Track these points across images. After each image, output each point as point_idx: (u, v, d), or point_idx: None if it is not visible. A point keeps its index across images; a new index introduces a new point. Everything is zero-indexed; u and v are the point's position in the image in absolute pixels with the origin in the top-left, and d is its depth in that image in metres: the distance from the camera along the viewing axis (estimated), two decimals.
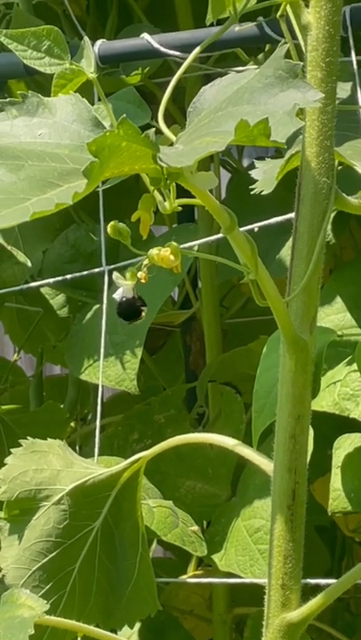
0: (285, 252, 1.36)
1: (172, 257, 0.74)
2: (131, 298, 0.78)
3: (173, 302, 1.69)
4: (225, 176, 1.73)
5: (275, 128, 0.67)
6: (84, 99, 0.79)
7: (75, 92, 0.81)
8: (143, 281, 0.77)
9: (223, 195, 1.64)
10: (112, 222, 0.77)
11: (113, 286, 1.28)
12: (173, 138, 0.77)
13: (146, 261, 0.76)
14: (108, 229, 0.77)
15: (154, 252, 0.75)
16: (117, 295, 0.78)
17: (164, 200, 0.75)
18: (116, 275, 0.78)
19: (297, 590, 0.88)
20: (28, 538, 0.99)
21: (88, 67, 0.81)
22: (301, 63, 0.72)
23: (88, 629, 0.98)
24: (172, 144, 0.75)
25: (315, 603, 0.88)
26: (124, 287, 0.78)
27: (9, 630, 0.86)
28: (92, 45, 1.22)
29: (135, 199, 0.86)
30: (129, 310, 0.78)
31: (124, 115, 0.65)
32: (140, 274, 0.77)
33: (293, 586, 0.88)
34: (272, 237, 1.36)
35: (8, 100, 0.76)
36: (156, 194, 0.77)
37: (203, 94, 0.76)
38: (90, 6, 1.61)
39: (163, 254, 0.74)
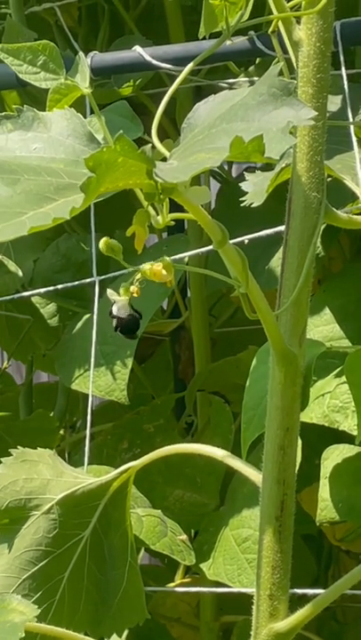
0: (275, 263, 1.37)
1: (164, 272, 0.75)
2: (132, 316, 0.78)
3: (163, 311, 1.70)
4: (214, 186, 1.73)
5: (269, 145, 0.68)
6: (77, 111, 0.80)
7: (69, 106, 0.82)
8: (136, 295, 0.78)
9: (213, 205, 1.65)
10: (104, 238, 0.77)
11: (104, 296, 1.29)
12: (166, 153, 0.78)
13: (138, 275, 0.76)
14: (101, 246, 0.78)
15: (146, 266, 0.75)
16: (115, 311, 0.79)
17: (157, 214, 0.76)
18: (110, 292, 0.79)
19: (285, 600, 0.89)
20: (17, 547, 1.00)
21: (83, 82, 0.82)
22: (295, 81, 0.73)
23: (77, 637, 0.98)
24: (164, 159, 0.76)
25: (302, 613, 0.89)
26: (118, 303, 0.79)
27: (0, 635, 0.87)
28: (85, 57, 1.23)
29: (126, 209, 0.87)
30: (132, 326, 0.79)
31: (121, 130, 0.66)
32: (132, 288, 0.77)
33: (281, 596, 0.89)
34: (261, 248, 1.37)
35: (4, 114, 0.77)
36: (149, 207, 0.77)
37: (196, 111, 0.76)
38: (82, 17, 1.62)
39: (155, 269, 0.75)
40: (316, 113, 0.74)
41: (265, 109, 0.70)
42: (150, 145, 0.67)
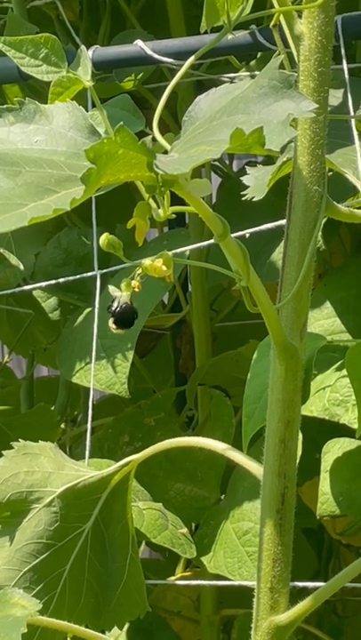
0: (276, 257, 1.37)
1: (164, 267, 0.75)
2: (126, 305, 0.78)
3: (164, 305, 1.70)
4: (216, 180, 1.74)
5: (269, 137, 0.68)
6: (79, 104, 0.80)
7: (71, 99, 0.82)
8: (137, 290, 0.78)
9: (214, 199, 1.65)
10: (105, 234, 0.78)
11: (105, 290, 1.29)
12: (168, 145, 0.78)
13: (139, 270, 0.77)
14: (101, 242, 0.78)
15: (147, 262, 0.75)
16: (114, 305, 0.79)
17: (158, 207, 0.76)
18: (112, 288, 0.79)
19: (285, 593, 0.89)
20: (19, 539, 1.00)
21: (84, 75, 0.82)
22: (295, 74, 0.73)
23: (78, 630, 0.99)
24: (165, 152, 0.76)
25: (303, 606, 0.89)
26: (119, 298, 0.79)
27: (2, 629, 0.87)
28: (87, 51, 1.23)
29: (127, 203, 0.87)
30: (127, 317, 0.79)
31: (121, 122, 0.66)
32: (133, 283, 0.77)
33: (282, 589, 0.89)
34: (263, 241, 1.37)
35: (5, 106, 0.77)
36: (151, 200, 0.77)
37: (197, 104, 0.77)
38: (83, 11, 1.62)
39: (156, 265, 0.75)
40: (317, 105, 0.74)
41: (266, 102, 0.70)
42: (151, 137, 0.67)
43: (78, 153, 0.73)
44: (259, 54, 1.38)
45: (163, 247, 1.32)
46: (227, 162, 1.77)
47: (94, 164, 0.64)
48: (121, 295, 0.79)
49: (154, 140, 0.76)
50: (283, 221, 0.89)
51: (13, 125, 0.76)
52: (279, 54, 0.92)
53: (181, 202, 0.78)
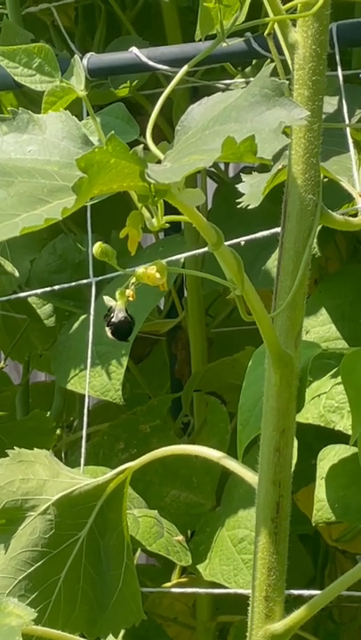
0: (271, 264, 1.37)
1: (158, 275, 0.75)
2: (125, 319, 0.79)
3: (159, 311, 1.70)
4: (211, 185, 1.73)
5: (261, 145, 0.68)
6: (74, 111, 0.80)
7: (66, 108, 0.82)
8: (131, 299, 0.78)
9: (210, 205, 1.65)
10: (98, 243, 0.78)
11: (100, 297, 1.29)
12: (161, 155, 0.78)
13: (133, 279, 0.77)
14: (95, 251, 0.78)
15: (141, 270, 0.76)
16: (110, 316, 0.79)
17: (152, 216, 0.76)
18: (107, 298, 0.79)
19: (280, 602, 0.89)
20: (14, 547, 1.00)
21: (78, 84, 0.82)
22: (287, 82, 0.74)
23: (73, 639, 0.99)
24: (159, 161, 0.76)
25: (298, 614, 0.89)
26: (115, 308, 0.79)
27: None
28: (82, 58, 1.23)
29: (123, 210, 0.87)
30: (124, 330, 0.79)
31: (113, 131, 0.66)
32: (128, 292, 0.78)
33: (277, 598, 0.89)
34: (258, 249, 1.37)
35: None
36: (144, 209, 0.77)
37: (190, 113, 0.77)
38: (78, 17, 1.62)
39: (149, 273, 0.75)
40: (309, 113, 0.74)
41: (258, 110, 0.71)
42: (142, 146, 0.67)
43: (71, 163, 0.73)
44: (254, 61, 1.38)
45: (158, 254, 1.32)
46: (222, 168, 1.77)
47: (86, 174, 0.64)
48: (116, 305, 0.79)
49: (146, 148, 0.76)
50: (278, 229, 0.89)
51: (6, 135, 0.76)
52: (270, 62, 0.92)
53: (176, 210, 0.78)
